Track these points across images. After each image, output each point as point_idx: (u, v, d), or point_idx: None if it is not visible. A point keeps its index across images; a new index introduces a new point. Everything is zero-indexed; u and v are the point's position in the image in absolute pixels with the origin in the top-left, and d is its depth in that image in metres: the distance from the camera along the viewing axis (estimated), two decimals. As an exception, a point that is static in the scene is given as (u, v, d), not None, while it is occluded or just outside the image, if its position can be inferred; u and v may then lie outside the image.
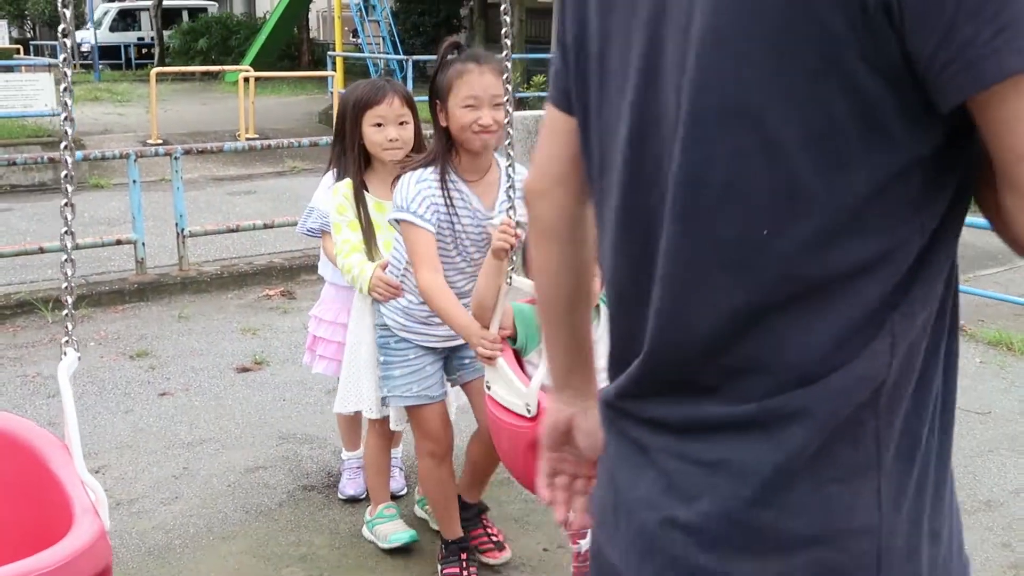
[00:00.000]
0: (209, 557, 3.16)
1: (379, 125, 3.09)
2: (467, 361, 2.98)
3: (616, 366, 1.13)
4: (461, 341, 2.85)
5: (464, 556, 2.96)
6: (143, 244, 6.08)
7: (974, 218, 0.96)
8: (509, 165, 2.57)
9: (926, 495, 0.98)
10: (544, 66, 15.95)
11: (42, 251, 5.80)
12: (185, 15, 29.08)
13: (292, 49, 25.15)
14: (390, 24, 19.69)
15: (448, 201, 2.72)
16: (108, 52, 26.24)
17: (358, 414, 3.39)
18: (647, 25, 1.00)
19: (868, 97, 0.87)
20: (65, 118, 1.86)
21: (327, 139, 7.50)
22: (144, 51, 28.07)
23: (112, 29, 27.86)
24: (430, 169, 2.74)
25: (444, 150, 2.74)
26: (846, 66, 0.86)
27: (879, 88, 0.86)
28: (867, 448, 0.95)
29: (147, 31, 28.68)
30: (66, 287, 1.90)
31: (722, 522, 0.98)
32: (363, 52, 19.68)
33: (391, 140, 3.07)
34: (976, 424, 4.23)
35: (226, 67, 17.61)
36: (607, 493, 1.14)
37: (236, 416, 4.29)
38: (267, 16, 27.63)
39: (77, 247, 6.14)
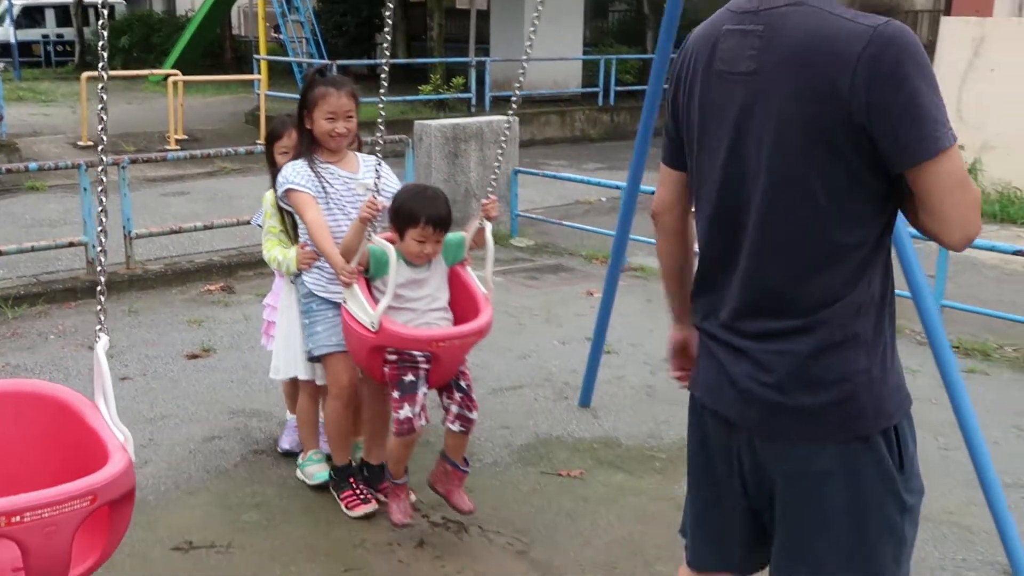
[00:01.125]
0: (180, 508, 3.83)
1: (285, 153, 3.95)
2: None
3: (708, 305, 2.07)
4: None
5: (352, 480, 3.78)
6: (94, 246, 6.64)
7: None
8: (378, 163, 3.51)
9: (886, 355, 1.93)
10: (463, 68, 16.58)
11: (1, 254, 6.33)
12: (92, 13, 28.86)
13: (215, 46, 25.37)
14: (313, 24, 20.14)
15: (317, 175, 3.64)
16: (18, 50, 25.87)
17: (297, 382, 4.11)
18: (736, 117, 1.91)
19: (853, 167, 1.80)
20: (101, 128, 2.50)
21: (262, 147, 8.13)
22: (52, 48, 27.72)
23: (16, 27, 27.50)
24: (300, 159, 3.67)
25: (309, 145, 3.70)
26: (843, 152, 1.79)
27: (860, 163, 1.79)
28: (857, 335, 1.88)
29: (51, 28, 28.36)
30: (102, 281, 2.52)
31: (789, 379, 1.90)
32: (286, 50, 20.12)
33: None
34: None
35: (155, 71, 17.80)
36: (718, 374, 2.04)
37: (191, 396, 4.94)
38: (188, 14, 27.80)
39: (33, 249, 6.64)
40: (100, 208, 2.53)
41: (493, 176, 3.80)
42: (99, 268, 2.52)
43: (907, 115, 1.73)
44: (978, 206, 1.82)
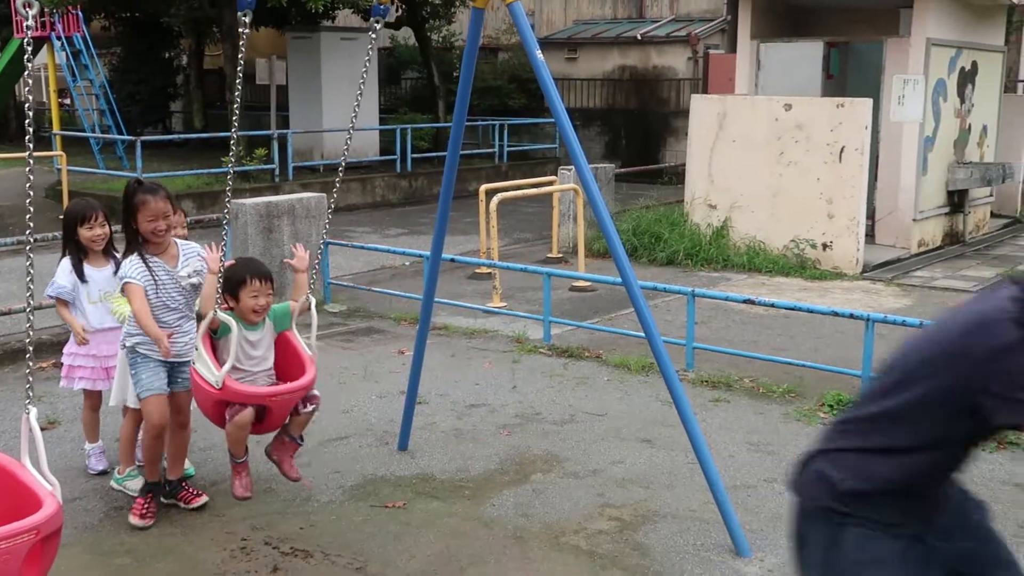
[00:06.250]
0: (59, 559, 4.32)
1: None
2: (179, 380, 4.75)
3: None
4: (179, 360, 4.68)
5: (150, 495, 4.75)
6: (-76, 330, 6.95)
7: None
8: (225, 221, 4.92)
9: None
10: (264, 138, 17.16)
11: None
12: None
13: (-2, 116, 24.75)
14: (107, 92, 20.15)
15: (148, 269, 4.56)
16: None
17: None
18: None
19: None
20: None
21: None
22: None
23: None
24: (134, 255, 4.58)
25: (137, 243, 4.61)
26: None
27: None
28: None
29: None
30: (30, 355, 3.19)
31: None
32: (78, 119, 19.98)
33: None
34: (595, 422, 6.16)
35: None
36: None
37: (48, 465, 5.43)
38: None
39: None
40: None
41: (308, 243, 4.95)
42: (28, 353, 3.19)
43: None
44: None
